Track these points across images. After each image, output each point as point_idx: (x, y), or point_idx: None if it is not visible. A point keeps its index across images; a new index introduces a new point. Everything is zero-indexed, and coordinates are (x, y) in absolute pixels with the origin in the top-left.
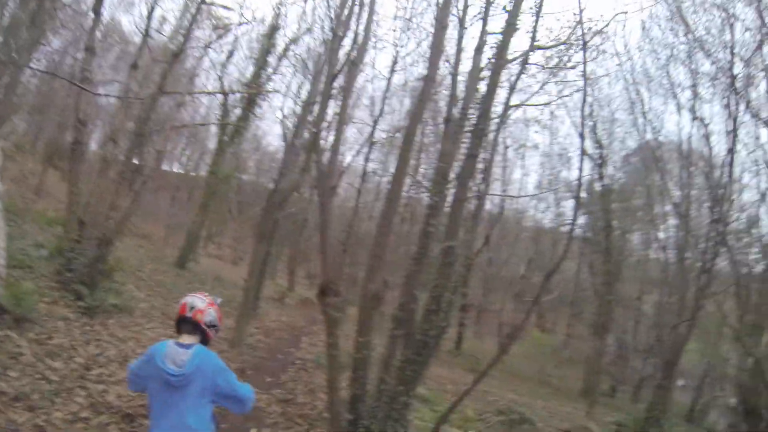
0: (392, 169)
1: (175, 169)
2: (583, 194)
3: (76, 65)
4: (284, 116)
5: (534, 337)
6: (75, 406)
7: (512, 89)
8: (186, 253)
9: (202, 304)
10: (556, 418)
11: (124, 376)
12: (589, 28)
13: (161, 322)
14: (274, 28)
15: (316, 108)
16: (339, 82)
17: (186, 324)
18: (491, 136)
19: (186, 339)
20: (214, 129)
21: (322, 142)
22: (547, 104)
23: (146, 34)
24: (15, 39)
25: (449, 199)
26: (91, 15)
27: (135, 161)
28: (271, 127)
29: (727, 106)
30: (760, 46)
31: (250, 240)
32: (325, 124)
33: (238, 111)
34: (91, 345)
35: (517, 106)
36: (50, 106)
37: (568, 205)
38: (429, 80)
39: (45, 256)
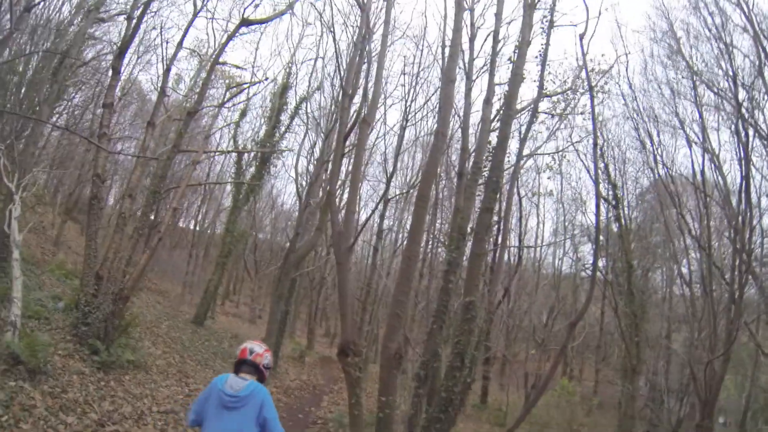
0: (408, 226)
1: (191, 227)
2: (601, 237)
3: (95, 121)
4: (298, 175)
5: (562, 385)
6: None
7: (524, 139)
8: (203, 311)
9: (260, 349)
10: None
11: None
12: (593, 70)
13: (178, 380)
14: (285, 87)
15: (329, 166)
16: (351, 139)
17: (246, 365)
18: (505, 187)
19: (245, 375)
20: (229, 187)
21: (336, 200)
22: (558, 151)
23: (162, 93)
24: (38, 93)
25: (467, 253)
26: (110, 72)
27: (151, 218)
28: (285, 185)
29: (736, 132)
30: (761, 71)
31: (267, 298)
32: (339, 183)
33: (252, 169)
34: (106, 401)
35: (530, 155)
36: (70, 160)
37: (586, 249)
38: (440, 134)
39: (61, 308)
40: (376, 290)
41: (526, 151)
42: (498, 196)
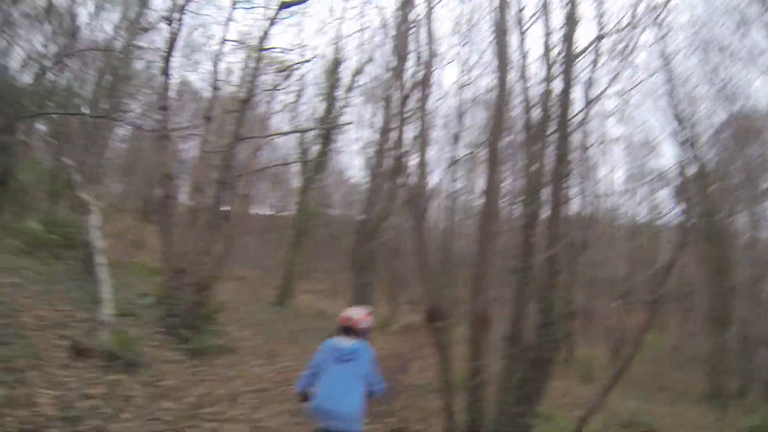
0: (476, 186)
1: (263, 212)
2: (677, 181)
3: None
4: (363, 146)
5: (649, 338)
6: None
7: (589, 83)
8: (283, 292)
9: (359, 315)
10: (684, 427)
11: (234, 414)
12: (651, 5)
13: (267, 359)
14: (336, 63)
15: (393, 134)
16: (411, 104)
17: (347, 330)
18: (575, 135)
19: (347, 338)
20: (296, 168)
21: (405, 165)
22: (624, 93)
23: (215, 88)
24: (97, 109)
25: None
26: (161, 78)
27: (223, 208)
28: (352, 158)
29: None
30: None
31: (345, 272)
32: (406, 148)
33: (316, 148)
34: (200, 386)
35: (594, 99)
36: (138, 166)
37: (661, 195)
38: (500, 89)
39: (149, 304)
40: (453, 253)
41: (592, 96)
42: (568, 145)
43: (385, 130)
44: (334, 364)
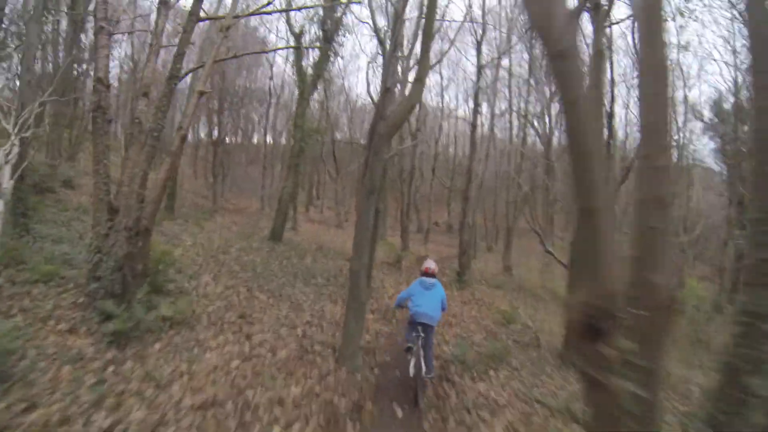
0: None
1: (264, 141)
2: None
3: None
4: (377, 28)
5: (690, 286)
6: None
7: None
8: (279, 224)
9: (434, 266)
10: None
11: None
12: None
13: (235, 332)
14: None
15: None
16: None
17: (427, 274)
18: None
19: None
20: (296, 91)
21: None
22: None
23: None
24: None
25: None
26: None
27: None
28: (356, 81)
29: None
30: None
31: (353, 199)
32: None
33: (315, 54)
34: (102, 408)
35: None
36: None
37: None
38: None
39: (86, 260)
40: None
41: None
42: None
43: (397, 28)
44: (424, 290)
